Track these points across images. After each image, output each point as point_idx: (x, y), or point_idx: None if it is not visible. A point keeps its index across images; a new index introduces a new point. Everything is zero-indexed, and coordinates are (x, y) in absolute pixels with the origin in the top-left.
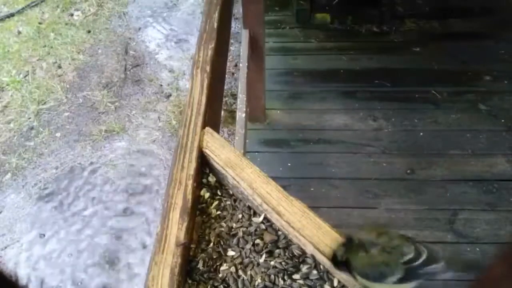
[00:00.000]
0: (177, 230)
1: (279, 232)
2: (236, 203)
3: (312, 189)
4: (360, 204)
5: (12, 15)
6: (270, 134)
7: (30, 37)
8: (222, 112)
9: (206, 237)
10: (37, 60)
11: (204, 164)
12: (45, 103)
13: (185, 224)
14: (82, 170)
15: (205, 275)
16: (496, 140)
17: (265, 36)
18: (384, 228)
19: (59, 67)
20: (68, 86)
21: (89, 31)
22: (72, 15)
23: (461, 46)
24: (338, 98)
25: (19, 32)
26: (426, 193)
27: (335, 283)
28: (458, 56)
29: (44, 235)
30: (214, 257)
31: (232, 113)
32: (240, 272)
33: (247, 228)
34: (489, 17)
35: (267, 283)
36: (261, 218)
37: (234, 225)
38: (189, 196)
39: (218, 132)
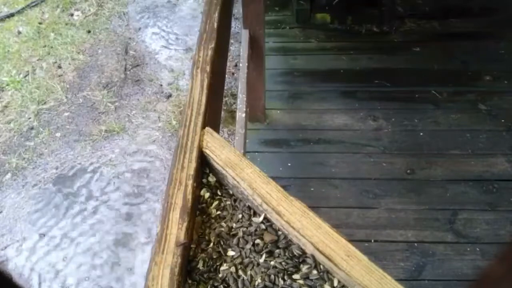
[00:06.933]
0: (177, 230)
1: (279, 232)
2: (236, 203)
3: (312, 189)
4: (360, 204)
5: (12, 15)
6: (270, 134)
7: (30, 37)
8: (222, 112)
9: (206, 237)
10: (37, 60)
11: (204, 164)
12: (45, 103)
13: (185, 224)
14: (82, 170)
15: (205, 275)
16: (496, 140)
17: (265, 36)
18: None
19: (59, 67)
20: (68, 86)
21: (89, 31)
22: (72, 15)
23: (461, 46)
24: (338, 98)
25: (19, 32)
26: (426, 193)
27: (335, 283)
28: (458, 56)
29: (44, 235)
30: (214, 257)
31: (232, 113)
32: (240, 272)
33: (247, 228)
34: (489, 17)
35: (267, 283)
36: (261, 218)
37: (234, 225)
38: (189, 196)
39: (218, 132)
